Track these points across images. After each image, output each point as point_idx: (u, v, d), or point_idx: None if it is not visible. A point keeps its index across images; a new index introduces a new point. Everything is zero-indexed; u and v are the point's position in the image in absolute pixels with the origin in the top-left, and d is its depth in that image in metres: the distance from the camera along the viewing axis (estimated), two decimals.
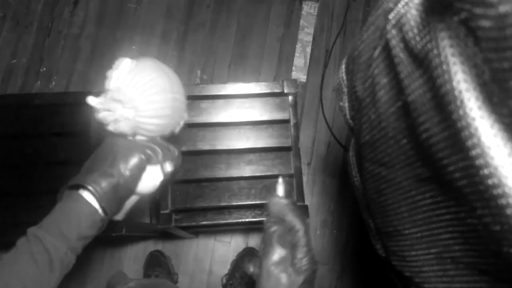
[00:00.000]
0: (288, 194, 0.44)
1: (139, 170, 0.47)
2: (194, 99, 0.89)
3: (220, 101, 0.90)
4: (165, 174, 0.51)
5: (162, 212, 0.84)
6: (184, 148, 0.86)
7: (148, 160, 0.48)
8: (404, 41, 0.37)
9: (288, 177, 0.87)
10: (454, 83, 0.29)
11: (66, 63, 1.35)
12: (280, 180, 0.44)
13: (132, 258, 1.17)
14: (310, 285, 0.38)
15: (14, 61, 1.35)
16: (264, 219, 0.42)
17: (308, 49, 1.35)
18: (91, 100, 0.46)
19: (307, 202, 0.87)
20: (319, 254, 1.17)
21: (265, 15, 1.38)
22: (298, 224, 0.38)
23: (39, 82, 1.33)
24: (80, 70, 1.34)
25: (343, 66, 0.63)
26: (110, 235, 0.82)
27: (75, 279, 1.13)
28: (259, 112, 0.89)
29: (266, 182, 0.87)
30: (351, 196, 1.19)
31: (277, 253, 0.38)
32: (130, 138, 0.49)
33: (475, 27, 0.26)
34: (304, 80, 1.32)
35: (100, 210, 0.43)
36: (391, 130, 0.44)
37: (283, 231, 0.39)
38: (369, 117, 0.50)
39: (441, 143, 0.34)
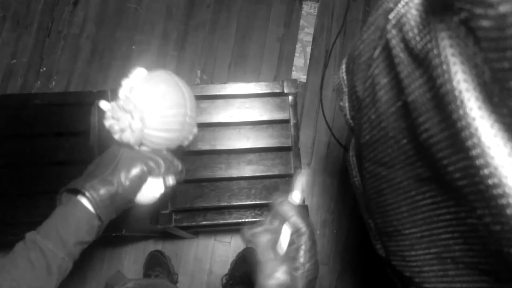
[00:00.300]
0: (304, 191, 0.42)
1: (140, 181, 0.47)
2: None
3: (220, 101, 0.90)
4: (166, 187, 0.51)
5: (162, 212, 0.84)
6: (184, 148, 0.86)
7: (150, 172, 0.47)
8: (404, 41, 0.37)
9: (288, 177, 0.87)
10: (454, 83, 0.29)
11: (66, 63, 1.35)
12: (304, 173, 0.42)
13: (132, 258, 1.17)
14: None
15: (14, 61, 1.35)
16: (263, 219, 0.41)
17: (308, 49, 1.35)
18: (103, 104, 0.46)
19: (307, 202, 0.87)
20: (319, 254, 1.17)
21: (265, 15, 1.38)
22: (303, 227, 0.37)
23: (39, 82, 1.33)
24: (80, 70, 1.34)
25: (343, 66, 0.63)
26: (110, 235, 0.82)
27: (75, 279, 1.13)
28: (259, 112, 0.89)
29: (266, 182, 0.87)
30: (351, 196, 1.19)
31: (271, 261, 0.36)
32: (136, 147, 0.49)
33: (475, 27, 0.26)
34: (304, 80, 1.32)
35: (96, 219, 0.44)
36: (391, 130, 0.44)
37: (274, 239, 0.37)
38: (369, 117, 0.50)
39: (441, 143, 0.34)
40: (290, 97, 0.90)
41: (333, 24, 1.37)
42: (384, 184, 0.51)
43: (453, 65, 0.29)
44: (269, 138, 0.88)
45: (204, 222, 0.85)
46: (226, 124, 0.89)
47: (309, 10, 1.38)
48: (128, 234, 0.84)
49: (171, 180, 0.52)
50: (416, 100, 0.37)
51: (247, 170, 0.87)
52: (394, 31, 0.39)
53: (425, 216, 0.43)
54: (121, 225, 0.78)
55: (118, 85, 0.48)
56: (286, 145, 0.88)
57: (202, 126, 0.88)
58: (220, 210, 0.86)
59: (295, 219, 0.38)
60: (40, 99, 0.92)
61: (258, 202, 0.86)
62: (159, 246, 1.18)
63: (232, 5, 1.39)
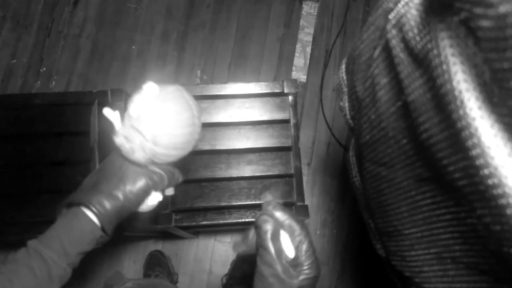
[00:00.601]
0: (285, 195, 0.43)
1: (144, 195, 0.47)
2: None
3: (220, 101, 0.90)
4: (165, 197, 0.52)
5: (162, 212, 0.84)
6: None
7: (154, 186, 0.48)
8: (404, 41, 0.37)
9: (288, 177, 0.88)
10: (454, 83, 0.29)
11: (66, 63, 1.35)
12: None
13: (132, 258, 1.17)
14: None
15: (14, 61, 1.35)
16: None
17: (308, 49, 1.35)
18: (106, 112, 0.46)
19: (307, 202, 0.87)
20: (319, 254, 1.17)
21: (265, 15, 1.38)
22: (298, 229, 0.38)
23: (39, 82, 1.33)
24: (80, 70, 1.34)
25: (343, 66, 0.63)
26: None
27: (74, 279, 1.13)
28: (259, 112, 0.89)
29: (266, 182, 0.87)
30: (351, 196, 1.19)
31: (271, 254, 0.37)
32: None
33: (475, 27, 0.26)
34: (304, 80, 1.32)
35: (100, 230, 0.44)
36: (391, 130, 0.44)
37: (276, 229, 0.38)
38: (369, 117, 0.50)
39: (441, 143, 0.34)
40: (290, 97, 0.90)
41: (333, 24, 1.37)
42: (384, 184, 0.51)
43: (453, 65, 0.29)
44: (269, 138, 0.89)
45: (204, 222, 0.85)
46: (226, 124, 0.89)
47: (309, 10, 1.38)
48: (128, 234, 0.84)
49: (171, 191, 0.52)
50: (416, 100, 0.37)
51: (247, 170, 0.87)
52: (394, 31, 0.39)
53: (425, 216, 0.43)
54: (121, 225, 0.78)
55: (125, 94, 0.47)
56: (286, 145, 0.88)
57: (202, 126, 0.88)
58: (220, 210, 0.86)
59: (290, 222, 0.38)
60: (40, 99, 0.91)
61: (258, 202, 0.86)
62: (159, 246, 1.18)
63: (232, 5, 1.39)
